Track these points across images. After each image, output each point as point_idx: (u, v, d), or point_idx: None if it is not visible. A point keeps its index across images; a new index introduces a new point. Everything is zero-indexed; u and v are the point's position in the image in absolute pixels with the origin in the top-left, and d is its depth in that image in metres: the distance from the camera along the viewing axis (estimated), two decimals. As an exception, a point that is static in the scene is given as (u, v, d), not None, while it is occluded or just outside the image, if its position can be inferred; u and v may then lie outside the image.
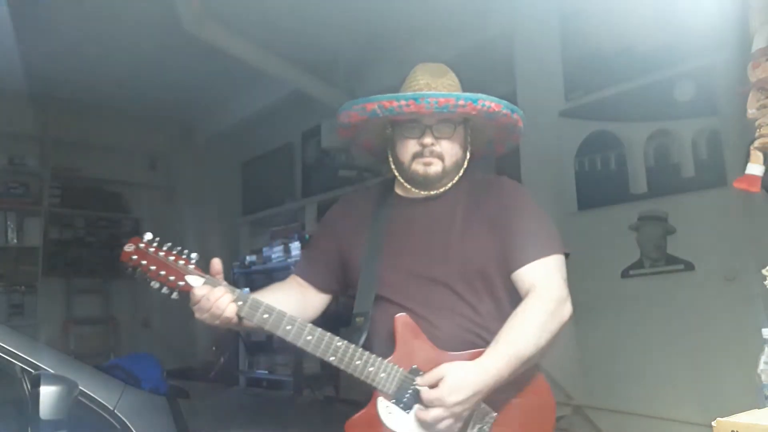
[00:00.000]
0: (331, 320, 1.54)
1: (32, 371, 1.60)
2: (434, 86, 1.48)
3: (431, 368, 1.33)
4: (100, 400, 1.73)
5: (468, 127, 1.51)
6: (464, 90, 1.50)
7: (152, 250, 1.40)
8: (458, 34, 3.46)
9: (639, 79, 2.71)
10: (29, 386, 1.57)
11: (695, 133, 2.56)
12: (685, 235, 2.58)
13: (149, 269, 1.38)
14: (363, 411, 1.37)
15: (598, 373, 2.71)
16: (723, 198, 2.34)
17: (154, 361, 2.36)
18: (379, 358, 1.36)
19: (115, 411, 1.75)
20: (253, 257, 4.75)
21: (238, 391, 3.77)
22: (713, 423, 0.97)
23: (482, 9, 3.28)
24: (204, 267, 1.39)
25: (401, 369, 1.36)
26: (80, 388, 1.55)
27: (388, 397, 1.35)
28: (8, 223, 5.22)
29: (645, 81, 2.69)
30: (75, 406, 1.50)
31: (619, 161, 2.81)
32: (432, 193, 1.51)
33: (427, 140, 1.45)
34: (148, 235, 1.41)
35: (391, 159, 1.54)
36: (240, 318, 1.36)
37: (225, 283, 1.38)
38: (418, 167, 1.47)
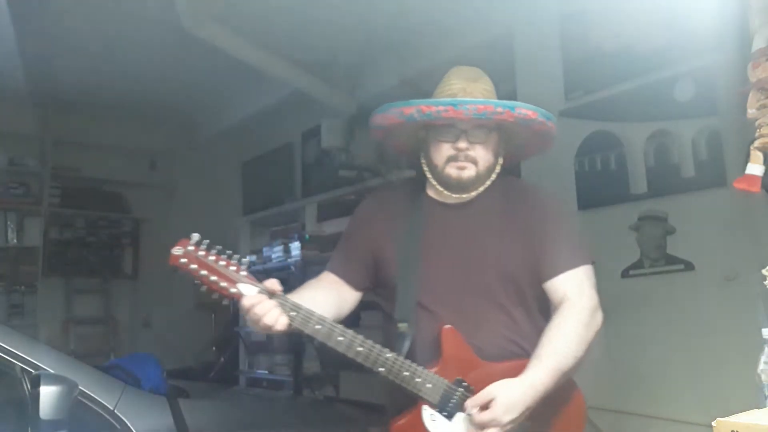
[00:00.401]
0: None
1: (32, 371, 1.60)
2: (470, 91, 1.49)
3: (475, 380, 1.39)
4: (100, 400, 1.74)
5: (501, 132, 1.52)
6: None
7: (202, 253, 1.36)
8: (458, 34, 3.46)
9: (639, 79, 2.71)
10: (29, 386, 1.57)
11: (695, 133, 2.55)
12: (685, 235, 2.58)
13: (200, 274, 1.35)
14: (408, 417, 1.40)
15: (598, 373, 2.70)
16: (723, 198, 2.34)
17: (154, 361, 2.35)
18: (426, 370, 1.39)
19: (115, 411, 1.75)
20: (253, 257, 4.75)
21: (238, 391, 3.77)
22: (713, 423, 0.97)
23: (482, 9, 3.28)
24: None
25: (446, 380, 1.40)
26: (80, 388, 1.55)
27: (433, 406, 1.39)
28: (8, 223, 5.22)
29: (645, 81, 2.69)
30: (75, 406, 1.51)
31: (619, 161, 2.81)
32: (464, 197, 1.52)
33: (462, 145, 1.46)
34: (196, 236, 1.37)
35: (424, 161, 1.56)
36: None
37: (280, 292, 1.37)
38: (451, 171, 1.48)
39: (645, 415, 2.56)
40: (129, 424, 1.75)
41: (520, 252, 1.49)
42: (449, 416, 1.39)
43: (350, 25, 3.69)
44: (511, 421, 1.32)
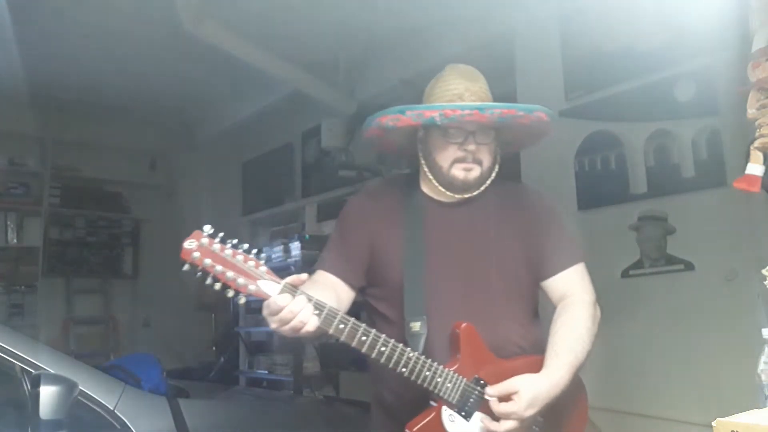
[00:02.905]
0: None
1: (32, 371, 1.60)
2: (474, 91, 1.49)
3: (492, 377, 1.39)
4: (100, 400, 1.74)
5: (499, 131, 1.52)
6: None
7: (217, 247, 1.22)
8: (458, 34, 3.46)
9: (639, 79, 2.71)
10: (29, 386, 1.57)
11: (695, 133, 2.55)
12: (685, 235, 2.58)
13: (215, 270, 1.21)
14: (427, 418, 1.37)
15: (598, 373, 2.70)
16: (723, 198, 2.34)
17: (154, 361, 2.35)
18: (446, 369, 1.37)
19: (115, 411, 1.75)
20: (253, 257, 4.74)
21: (238, 391, 3.77)
22: (713, 423, 0.97)
23: (482, 9, 3.28)
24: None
25: (465, 379, 1.38)
26: (80, 388, 1.55)
27: (452, 406, 1.37)
28: (8, 223, 5.23)
29: (645, 81, 2.69)
30: (75, 406, 1.51)
31: (619, 161, 2.81)
32: (465, 196, 1.51)
33: (471, 147, 1.46)
34: (209, 228, 1.23)
35: (424, 162, 1.53)
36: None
37: (301, 290, 1.26)
38: (458, 172, 1.47)
39: (645, 415, 2.56)
40: (129, 424, 1.75)
41: (520, 250, 1.51)
42: (467, 416, 1.37)
43: (350, 25, 3.69)
44: (532, 416, 1.34)
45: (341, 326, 1.29)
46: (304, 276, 1.29)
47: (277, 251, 4.51)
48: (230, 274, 1.21)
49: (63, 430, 1.42)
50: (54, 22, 3.64)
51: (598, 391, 2.72)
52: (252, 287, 1.23)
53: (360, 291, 1.57)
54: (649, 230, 2.68)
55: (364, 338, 1.31)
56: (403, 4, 3.36)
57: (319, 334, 1.31)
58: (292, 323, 1.24)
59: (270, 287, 1.24)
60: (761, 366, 1.13)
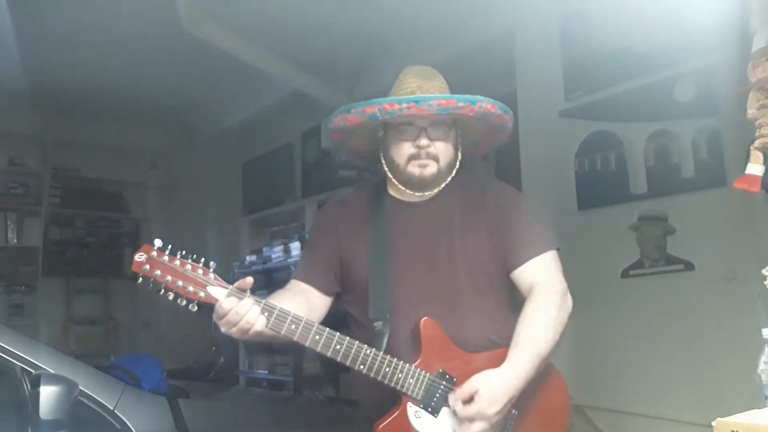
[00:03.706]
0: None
1: (32, 371, 1.60)
2: (426, 89, 1.49)
3: (457, 371, 1.38)
4: (100, 400, 1.74)
5: (457, 127, 1.53)
6: (455, 91, 1.52)
7: (166, 258, 1.28)
8: (458, 34, 3.46)
9: (639, 79, 2.71)
10: (29, 386, 1.57)
11: (695, 133, 2.55)
12: (685, 235, 2.58)
13: (165, 280, 1.27)
14: (392, 416, 1.37)
15: (598, 373, 2.71)
16: (723, 198, 2.34)
17: (154, 361, 2.35)
18: (407, 365, 1.36)
19: (115, 411, 1.75)
20: (253, 257, 4.75)
21: (238, 391, 3.77)
22: (713, 423, 0.97)
23: (482, 9, 3.28)
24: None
25: (428, 374, 1.37)
26: (80, 388, 1.55)
27: (417, 402, 1.36)
28: (8, 223, 5.22)
29: (645, 81, 2.69)
30: (75, 406, 1.51)
31: (619, 161, 2.81)
32: (427, 194, 1.53)
33: (423, 142, 1.46)
34: (158, 242, 1.29)
35: (384, 161, 1.55)
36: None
37: (249, 293, 1.31)
38: (413, 169, 1.48)
39: (645, 415, 2.56)
40: (129, 424, 1.75)
41: (486, 243, 1.50)
42: (434, 412, 1.36)
43: (350, 25, 3.69)
44: (497, 413, 1.31)
45: (293, 326, 1.31)
46: (250, 279, 1.31)
47: (277, 251, 4.52)
48: (180, 283, 1.27)
49: (63, 430, 1.42)
50: (54, 22, 3.64)
51: (598, 390, 2.73)
52: (201, 293, 1.28)
53: (337, 298, 1.58)
54: (649, 230, 2.68)
55: (317, 337, 1.32)
56: (403, 4, 3.35)
57: (272, 336, 1.33)
58: (239, 325, 1.28)
59: (218, 292, 1.28)
60: (761, 366, 1.13)
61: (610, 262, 2.75)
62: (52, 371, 1.60)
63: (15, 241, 5.25)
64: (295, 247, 4.32)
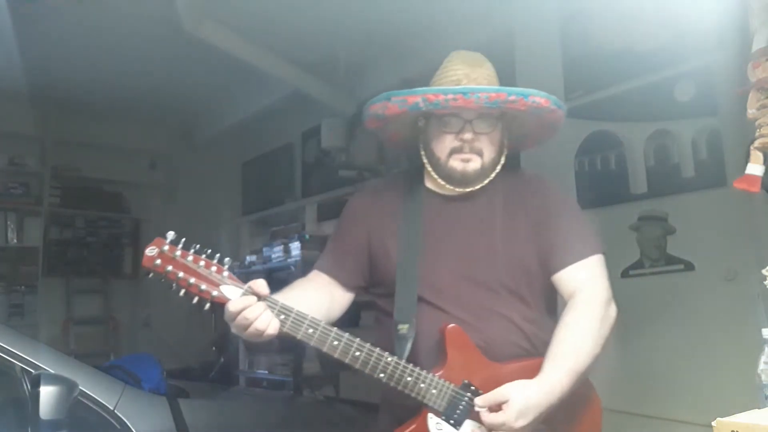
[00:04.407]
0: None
1: (32, 371, 1.60)
2: (474, 77, 1.40)
3: (484, 383, 1.29)
4: (100, 400, 1.74)
5: (506, 121, 1.43)
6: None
7: (179, 253, 1.21)
8: (458, 34, 3.46)
9: (639, 79, 2.71)
10: (29, 386, 1.57)
11: (695, 133, 2.55)
12: (685, 235, 2.58)
13: (177, 276, 1.20)
14: (411, 427, 1.30)
15: (598, 373, 2.70)
16: (723, 198, 2.34)
17: (154, 361, 2.35)
18: (430, 374, 1.29)
19: (115, 411, 1.75)
20: (253, 257, 4.75)
21: (238, 391, 3.77)
22: (713, 423, 0.97)
23: (482, 9, 3.27)
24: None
25: (452, 385, 1.29)
26: (80, 388, 1.55)
27: (438, 414, 1.29)
28: (8, 223, 5.22)
29: (645, 81, 2.69)
30: (75, 406, 1.50)
31: (619, 161, 2.81)
32: (468, 190, 1.42)
33: (467, 135, 1.36)
34: (171, 235, 1.22)
35: (423, 153, 1.45)
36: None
37: (267, 294, 1.23)
38: (455, 164, 1.38)
39: (645, 415, 2.55)
40: (129, 424, 1.75)
41: (528, 244, 1.39)
42: (457, 424, 1.28)
43: (350, 25, 3.69)
44: (523, 427, 1.22)
45: (310, 331, 1.24)
46: (263, 282, 1.25)
47: (277, 251, 4.52)
48: (192, 280, 1.20)
49: (63, 430, 1.42)
50: (54, 22, 3.64)
51: (598, 391, 2.73)
52: (214, 292, 1.21)
53: (364, 290, 1.50)
54: (649, 230, 2.68)
55: (336, 342, 1.25)
56: (403, 4, 3.35)
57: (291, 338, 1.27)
58: (249, 330, 1.22)
59: (232, 292, 1.21)
60: (761, 366, 1.13)
61: (609, 262, 2.71)
62: (52, 371, 1.60)
63: (15, 241, 5.25)
64: (295, 247, 4.32)
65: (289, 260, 4.34)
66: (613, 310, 1.38)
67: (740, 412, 1.01)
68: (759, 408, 1.07)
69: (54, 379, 1.45)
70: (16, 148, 5.26)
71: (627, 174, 2.77)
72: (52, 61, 4.16)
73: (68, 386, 1.45)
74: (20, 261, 5.28)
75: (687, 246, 2.56)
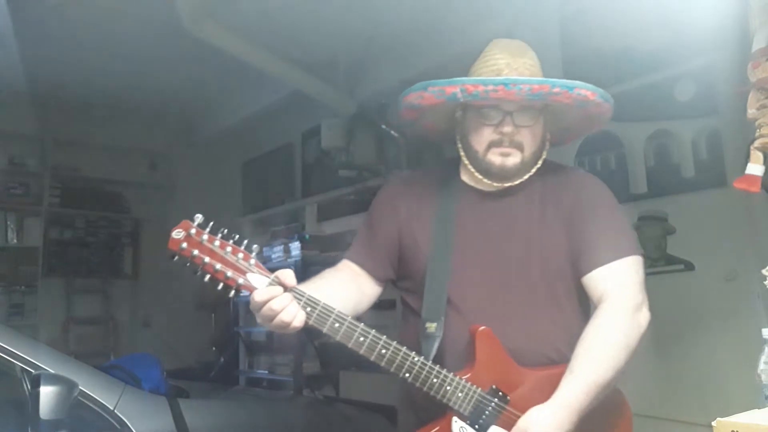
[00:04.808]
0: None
1: (32, 371, 1.60)
2: (515, 67, 1.32)
3: (512, 388, 1.26)
4: (100, 400, 1.74)
5: (547, 113, 1.35)
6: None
7: (206, 237, 1.17)
8: (458, 34, 3.46)
9: (639, 79, 2.71)
10: (29, 386, 1.57)
11: (695, 133, 2.55)
12: (685, 235, 2.58)
13: (203, 261, 1.16)
14: (435, 429, 1.26)
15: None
16: (723, 198, 2.34)
17: (154, 361, 2.35)
18: (457, 377, 1.24)
19: (115, 411, 1.75)
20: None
21: (238, 391, 3.77)
22: (713, 423, 0.97)
23: (482, 9, 3.27)
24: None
25: (479, 389, 1.25)
26: (80, 388, 1.55)
27: (463, 418, 1.24)
28: (8, 223, 5.22)
29: (645, 81, 2.69)
30: (75, 406, 1.51)
31: (619, 161, 2.81)
32: (506, 185, 1.36)
33: (507, 129, 1.30)
34: (199, 218, 1.18)
35: (460, 145, 1.39)
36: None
37: (293, 284, 1.20)
38: (494, 158, 1.32)
39: (645, 415, 2.55)
40: (129, 424, 1.75)
41: (564, 244, 1.33)
42: (482, 429, 1.24)
43: (350, 25, 3.69)
44: None
45: (336, 325, 1.20)
46: (290, 272, 1.22)
47: (277, 251, 4.51)
48: (219, 266, 1.17)
49: (63, 430, 1.42)
50: (54, 22, 3.64)
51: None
52: (240, 280, 1.17)
53: (393, 283, 1.46)
54: (649, 230, 2.68)
55: (362, 339, 1.20)
56: (402, 5, 3.35)
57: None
58: (275, 321, 1.17)
59: (258, 281, 1.18)
60: (761, 366, 1.13)
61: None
62: (52, 371, 1.60)
63: (15, 241, 5.25)
64: (295, 247, 4.32)
65: (289, 260, 4.34)
66: (643, 317, 1.30)
67: (740, 412, 1.01)
68: (759, 408, 1.07)
69: (54, 379, 1.45)
70: (16, 148, 5.26)
71: (627, 174, 2.77)
72: (52, 61, 4.16)
73: (68, 386, 1.45)
74: (20, 261, 5.27)
75: (687, 246, 2.56)
